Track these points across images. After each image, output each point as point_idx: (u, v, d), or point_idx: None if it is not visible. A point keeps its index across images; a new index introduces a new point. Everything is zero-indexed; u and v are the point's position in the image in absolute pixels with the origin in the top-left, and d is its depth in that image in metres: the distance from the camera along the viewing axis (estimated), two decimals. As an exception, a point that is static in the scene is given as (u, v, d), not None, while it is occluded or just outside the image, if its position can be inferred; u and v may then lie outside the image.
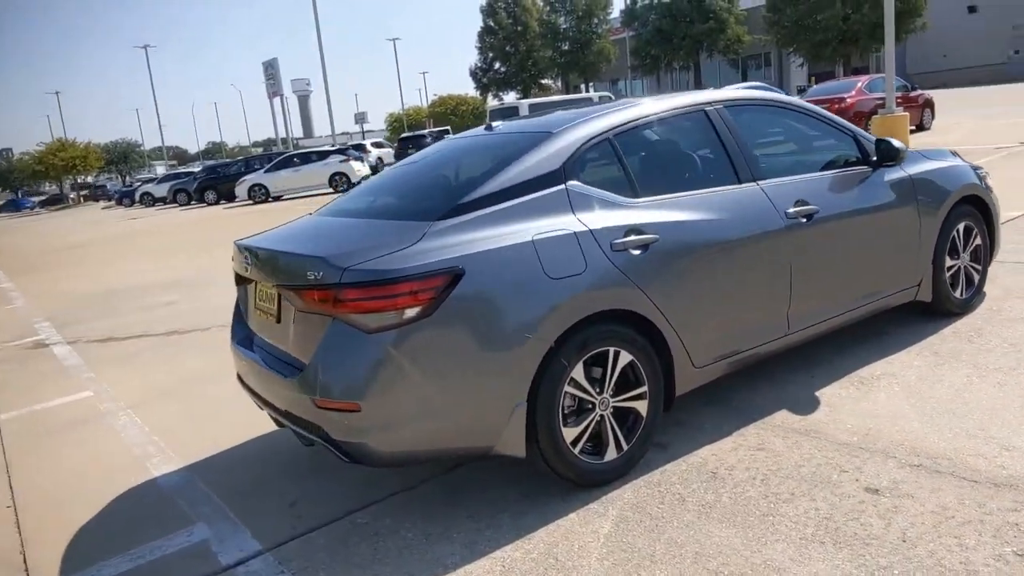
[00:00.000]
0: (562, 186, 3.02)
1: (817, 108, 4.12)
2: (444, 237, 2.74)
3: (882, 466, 2.94)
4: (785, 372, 4.00)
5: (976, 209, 4.53)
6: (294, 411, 2.84)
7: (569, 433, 2.89)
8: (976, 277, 4.64)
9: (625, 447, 3.04)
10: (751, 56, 50.88)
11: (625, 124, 3.32)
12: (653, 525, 2.73)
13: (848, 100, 16.96)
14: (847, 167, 3.97)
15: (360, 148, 34.18)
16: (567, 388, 2.85)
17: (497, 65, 61.83)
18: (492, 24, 60.71)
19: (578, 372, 2.88)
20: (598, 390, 2.95)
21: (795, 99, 4.12)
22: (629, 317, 3.00)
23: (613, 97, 26.49)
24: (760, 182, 3.55)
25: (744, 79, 50.09)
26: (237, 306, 3.59)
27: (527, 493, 3.06)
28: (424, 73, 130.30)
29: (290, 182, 27.19)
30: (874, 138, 4.12)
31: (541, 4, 58.87)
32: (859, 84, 17.46)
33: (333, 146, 31.62)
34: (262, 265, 3.07)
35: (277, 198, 27.08)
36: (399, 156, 33.45)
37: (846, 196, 3.82)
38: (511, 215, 2.87)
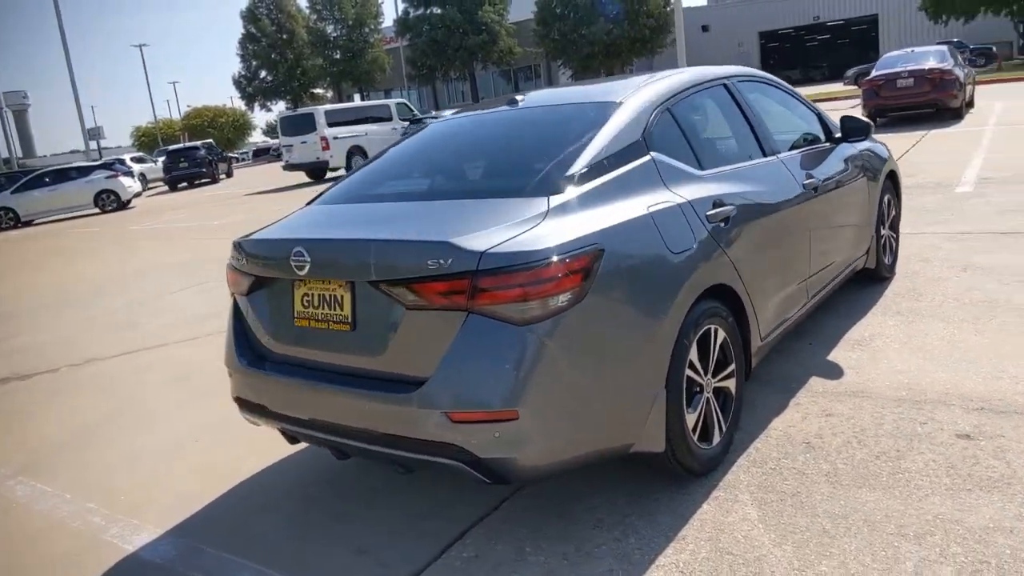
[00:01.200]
0: (648, 157, 2.82)
1: (789, 86, 4.30)
2: (568, 213, 2.43)
3: (950, 414, 3.09)
4: (783, 343, 4.10)
5: (891, 183, 5.00)
6: (405, 433, 2.34)
7: (690, 419, 2.70)
8: (895, 244, 5.12)
9: (724, 429, 2.91)
10: (522, 67, 53.29)
11: (675, 94, 3.19)
12: (798, 502, 2.62)
13: (947, 68, 16.79)
14: (823, 143, 4.18)
15: (121, 163, 30.57)
16: (687, 371, 2.66)
17: (263, 74, 58.69)
18: (254, 31, 57.49)
19: (693, 353, 2.70)
20: (703, 372, 2.79)
21: (775, 78, 4.25)
22: (722, 292, 2.88)
23: (410, 105, 26.26)
24: (779, 155, 3.61)
25: (517, 89, 52.32)
26: (238, 321, 2.93)
27: (632, 493, 2.81)
28: (174, 83, 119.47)
29: (45, 203, 23.59)
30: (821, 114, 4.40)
31: (307, 11, 56.89)
32: (935, 57, 17.69)
33: (94, 161, 27.96)
34: (342, 259, 2.50)
35: (28, 223, 23.40)
36: (168, 170, 30.34)
37: (830, 169, 4.01)
38: (615, 188, 2.62)
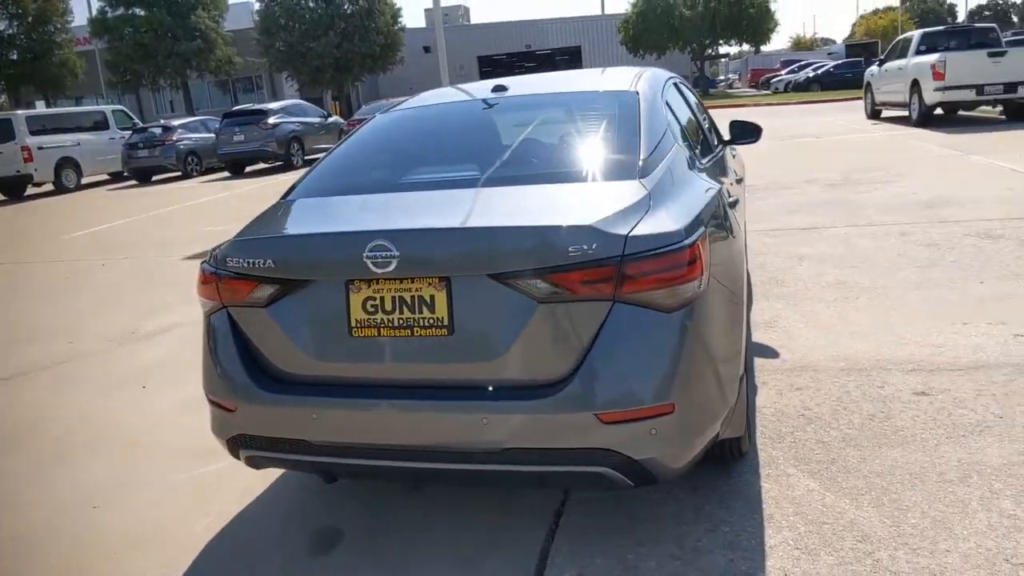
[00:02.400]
0: (676, 144, 2.83)
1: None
2: (665, 197, 2.35)
3: (894, 377, 3.52)
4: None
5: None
6: (540, 444, 2.08)
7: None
8: (745, 238, 5.72)
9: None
10: (242, 78, 50.18)
11: (663, 86, 3.24)
12: (842, 467, 2.79)
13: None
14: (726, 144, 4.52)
15: None
16: None
17: (-92, 75, 48.15)
18: None
19: None
20: None
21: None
22: None
23: (129, 113, 23.41)
24: (715, 150, 3.83)
25: (236, 102, 49.17)
26: (237, 339, 2.37)
27: (684, 486, 2.78)
28: None
29: None
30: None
31: (-33, 3, 47.85)
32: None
33: None
34: (444, 251, 2.14)
35: None
36: None
37: (735, 167, 4.36)
38: (676, 173, 2.59)
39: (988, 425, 2.99)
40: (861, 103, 18.99)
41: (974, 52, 14.29)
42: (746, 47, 38.72)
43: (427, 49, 58.01)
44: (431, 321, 2.15)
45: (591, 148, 2.73)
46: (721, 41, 38.60)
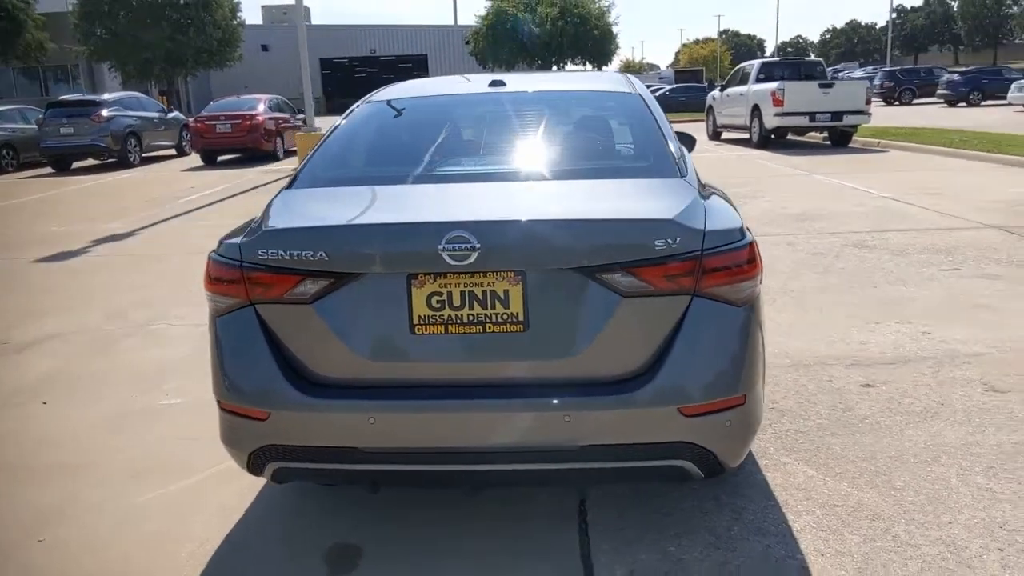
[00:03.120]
0: (679, 146, 2.92)
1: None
2: (707, 194, 2.43)
3: (838, 372, 3.82)
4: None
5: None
6: (620, 440, 2.06)
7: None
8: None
9: None
10: (53, 67, 45.29)
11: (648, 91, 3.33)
12: (830, 455, 3.00)
13: (259, 117, 17.39)
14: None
15: None
16: None
17: None
18: None
19: None
20: None
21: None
22: None
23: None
24: None
25: (46, 92, 44.50)
26: (267, 339, 2.16)
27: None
28: None
29: None
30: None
31: None
32: (261, 104, 18.02)
33: None
34: (527, 243, 2.05)
35: None
36: None
37: None
38: (696, 173, 2.67)
39: (935, 411, 3.33)
40: (698, 125, 20.43)
41: (807, 83, 15.87)
42: (588, 66, 40.46)
43: (265, 47, 55.67)
44: (505, 317, 2.07)
45: (624, 145, 2.75)
46: (567, 59, 40.19)
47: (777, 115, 15.48)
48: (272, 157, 17.66)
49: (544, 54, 38.18)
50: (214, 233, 2.74)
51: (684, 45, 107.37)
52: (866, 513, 2.59)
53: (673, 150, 2.61)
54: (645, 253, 2.03)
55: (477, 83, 3.26)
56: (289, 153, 18.46)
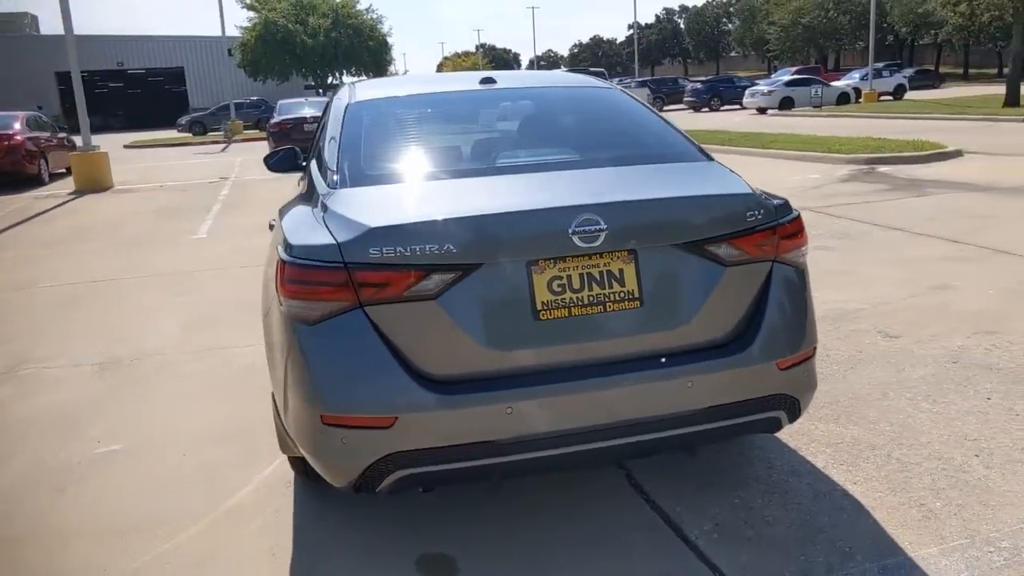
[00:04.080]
0: None
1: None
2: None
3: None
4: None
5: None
6: (735, 398, 2.23)
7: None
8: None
9: None
10: None
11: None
12: (828, 401, 3.39)
13: (17, 137, 15.19)
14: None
15: None
16: None
17: None
18: None
19: None
20: None
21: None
22: None
23: None
24: None
25: None
26: (382, 341, 2.05)
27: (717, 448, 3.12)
28: None
29: None
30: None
31: None
32: (17, 122, 15.74)
33: None
34: (644, 222, 2.15)
35: None
36: None
37: None
38: None
39: (858, 358, 3.89)
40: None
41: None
42: (365, 78, 40.12)
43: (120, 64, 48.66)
44: (622, 295, 2.15)
45: (648, 133, 2.88)
46: (343, 71, 39.53)
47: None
48: (36, 181, 15.47)
49: (320, 65, 37.29)
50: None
51: (446, 58, 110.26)
52: (864, 446, 2.99)
53: (684, 136, 2.84)
54: (742, 225, 2.23)
55: (466, 81, 3.25)
56: (56, 176, 16.33)
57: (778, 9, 63.42)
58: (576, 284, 2.13)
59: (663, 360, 2.17)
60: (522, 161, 2.71)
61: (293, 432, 2.27)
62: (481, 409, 2.06)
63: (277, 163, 4.55)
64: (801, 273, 2.42)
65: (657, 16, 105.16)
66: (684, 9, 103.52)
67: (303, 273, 2.09)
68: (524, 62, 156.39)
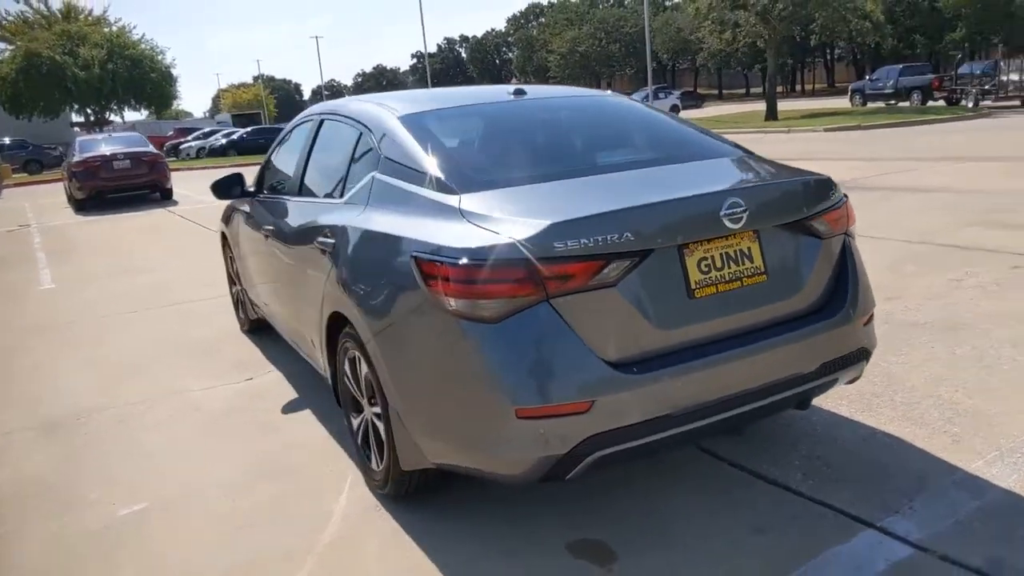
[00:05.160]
0: None
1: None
2: None
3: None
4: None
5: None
6: (838, 354, 2.55)
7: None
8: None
9: None
10: None
11: None
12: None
13: None
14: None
15: None
16: None
17: None
18: None
19: None
20: None
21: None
22: None
23: None
24: None
25: None
26: (568, 329, 2.13)
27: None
28: None
29: None
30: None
31: None
32: None
33: None
34: (771, 203, 2.41)
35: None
36: None
37: None
38: None
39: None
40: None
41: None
42: (145, 113, 37.22)
43: None
44: (752, 270, 2.39)
45: (690, 132, 3.15)
46: (124, 105, 36.26)
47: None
48: None
49: (96, 100, 33.94)
50: None
51: (224, 90, 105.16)
52: (869, 395, 3.45)
53: (715, 134, 3.16)
54: (828, 203, 2.58)
55: (498, 93, 3.34)
56: None
57: (555, 38, 67.81)
58: (719, 263, 2.34)
59: (789, 325, 2.45)
60: (615, 160, 2.87)
61: (463, 434, 2.28)
62: (660, 385, 2.20)
63: (226, 189, 4.37)
64: (856, 246, 2.82)
65: (439, 45, 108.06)
66: (465, 39, 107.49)
67: (482, 273, 2.11)
68: (307, 92, 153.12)
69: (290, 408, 3.90)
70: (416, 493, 2.76)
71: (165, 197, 16.16)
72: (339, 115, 3.49)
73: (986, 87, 26.10)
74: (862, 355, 2.69)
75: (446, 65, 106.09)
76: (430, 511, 2.77)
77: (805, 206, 2.53)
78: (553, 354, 2.13)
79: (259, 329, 5.17)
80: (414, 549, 2.56)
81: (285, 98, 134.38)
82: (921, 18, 44.51)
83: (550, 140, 3.10)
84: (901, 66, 31.59)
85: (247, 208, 4.53)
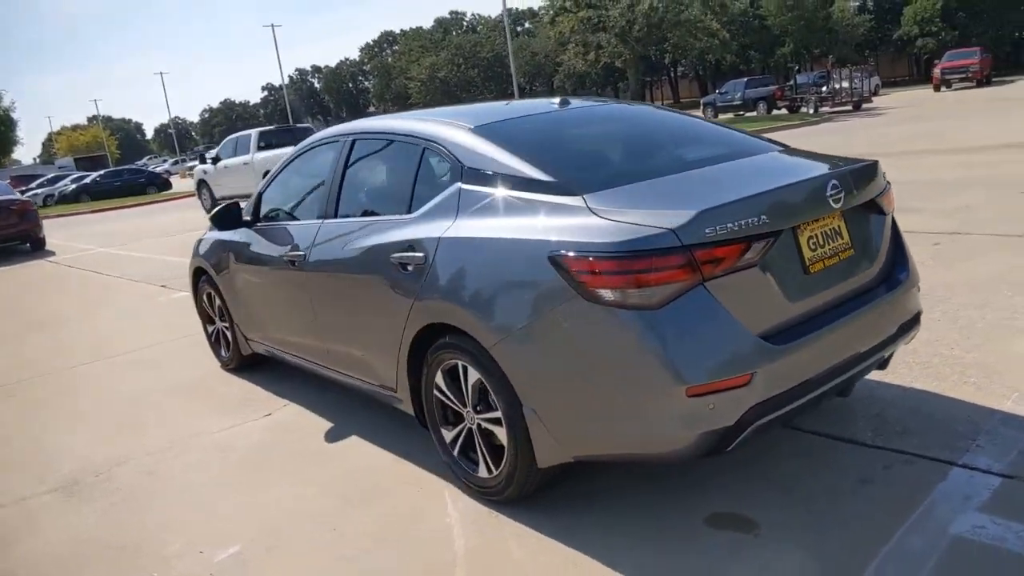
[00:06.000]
0: None
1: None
2: None
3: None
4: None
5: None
6: (906, 317, 2.87)
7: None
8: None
9: None
10: None
11: None
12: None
13: None
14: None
15: None
16: None
17: None
18: None
19: None
20: None
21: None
22: None
23: None
24: None
25: None
26: (719, 307, 2.31)
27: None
28: None
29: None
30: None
31: None
32: None
33: None
34: (856, 186, 2.70)
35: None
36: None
37: None
38: None
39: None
40: (154, 208, 19.94)
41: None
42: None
43: None
44: (843, 246, 2.67)
45: (737, 131, 3.40)
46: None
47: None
48: None
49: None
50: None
51: (58, 133, 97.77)
52: (921, 357, 3.82)
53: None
54: (884, 184, 2.93)
55: (548, 104, 3.47)
56: None
57: (413, 65, 68.19)
58: (821, 241, 2.60)
59: (877, 291, 2.75)
60: (695, 157, 3.04)
61: (620, 420, 2.39)
62: (800, 353, 2.42)
63: (231, 220, 4.28)
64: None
65: (291, 77, 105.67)
66: (317, 69, 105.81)
67: (642, 263, 2.24)
68: (149, 131, 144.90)
69: (335, 436, 3.81)
70: (534, 494, 2.82)
71: (37, 248, 14.87)
72: (381, 133, 3.49)
73: (823, 95, 28.83)
74: (918, 318, 3.03)
75: (300, 96, 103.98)
76: (546, 510, 2.82)
77: (875, 186, 2.85)
78: (714, 333, 2.30)
79: (249, 366, 4.97)
80: (558, 545, 2.61)
81: (126, 139, 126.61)
82: (753, 35, 48.53)
83: (626, 143, 3.26)
84: (747, 79, 34.27)
85: (240, 238, 4.38)
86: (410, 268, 2.96)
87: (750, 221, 2.35)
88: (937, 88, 34.01)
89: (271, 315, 4.24)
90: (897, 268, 2.93)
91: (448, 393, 2.96)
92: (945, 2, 44.48)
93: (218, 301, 4.90)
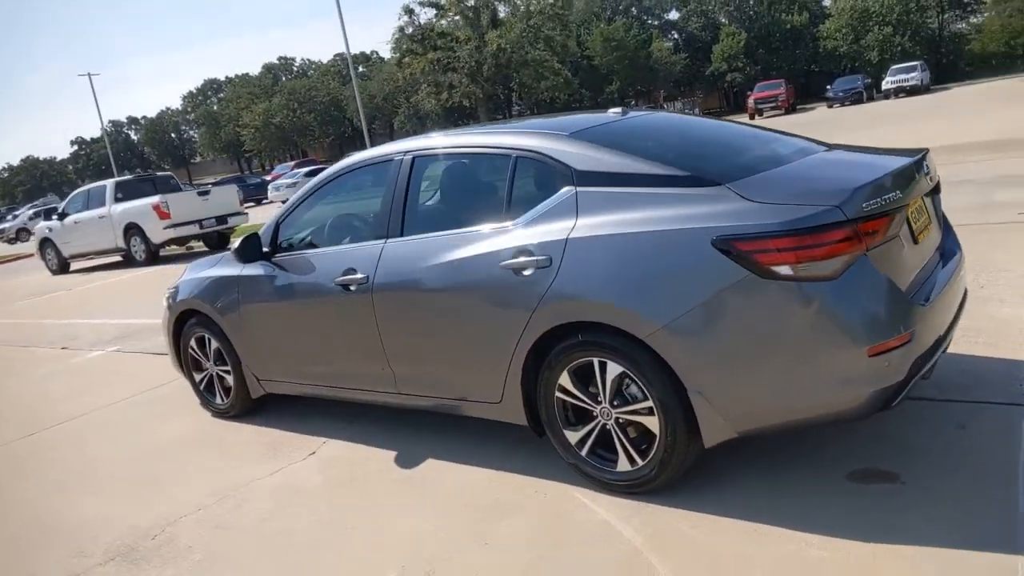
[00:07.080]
0: None
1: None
2: None
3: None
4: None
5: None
6: (965, 285, 3.28)
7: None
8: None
9: None
10: None
11: None
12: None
13: None
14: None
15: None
16: None
17: None
18: None
19: None
20: None
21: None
22: None
23: None
24: None
25: None
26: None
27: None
28: None
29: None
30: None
31: None
32: None
33: None
34: (931, 167, 3.09)
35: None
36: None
37: None
38: None
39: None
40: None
41: (186, 193, 16.09)
42: None
43: None
44: (928, 220, 3.04)
45: (790, 134, 3.68)
46: None
47: (167, 227, 15.23)
48: None
49: None
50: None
51: None
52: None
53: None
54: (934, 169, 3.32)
55: (612, 114, 3.58)
56: None
57: (244, 112, 65.83)
58: (918, 216, 2.93)
59: (949, 260, 3.12)
60: (784, 153, 3.24)
61: (797, 388, 2.56)
62: (934, 311, 2.72)
63: (255, 250, 4.09)
64: None
65: (105, 130, 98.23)
66: (134, 120, 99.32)
67: (818, 237, 2.43)
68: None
69: (409, 462, 3.65)
70: (681, 478, 2.91)
71: None
72: (453, 147, 3.51)
73: (660, 126, 31.14)
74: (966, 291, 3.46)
75: (116, 149, 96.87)
76: (691, 496, 2.91)
77: (934, 174, 3.25)
78: (882, 296, 2.53)
79: (253, 410, 4.64)
80: (728, 520, 2.71)
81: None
82: (584, 75, 51.52)
83: (714, 143, 3.45)
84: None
85: (257, 271, 4.14)
86: (527, 273, 2.97)
87: (891, 196, 2.63)
88: (752, 116, 37.76)
89: (308, 349, 4.01)
90: (950, 244, 3.34)
91: (576, 392, 2.99)
92: (747, 40, 49.65)
93: (215, 344, 4.56)
